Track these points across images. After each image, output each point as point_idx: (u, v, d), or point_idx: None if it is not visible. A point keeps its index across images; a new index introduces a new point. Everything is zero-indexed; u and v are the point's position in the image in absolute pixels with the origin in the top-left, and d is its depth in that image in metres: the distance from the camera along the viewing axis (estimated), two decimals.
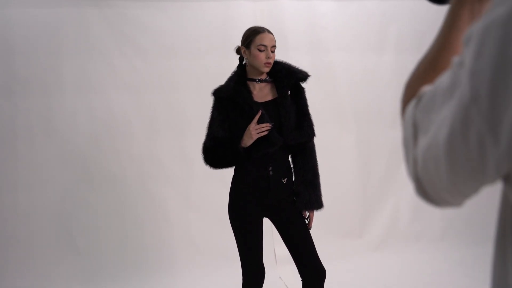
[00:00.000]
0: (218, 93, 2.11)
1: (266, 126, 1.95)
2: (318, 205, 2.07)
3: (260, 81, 2.09)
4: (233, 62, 3.60)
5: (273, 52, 2.05)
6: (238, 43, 3.62)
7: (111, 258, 3.31)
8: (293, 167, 2.11)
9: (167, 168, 3.46)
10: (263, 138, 1.96)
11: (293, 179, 2.09)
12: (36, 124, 3.24)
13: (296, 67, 2.13)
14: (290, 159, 2.13)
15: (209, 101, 3.54)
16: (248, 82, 2.09)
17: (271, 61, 2.03)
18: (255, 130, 1.94)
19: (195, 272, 3.36)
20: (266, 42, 2.03)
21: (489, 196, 3.91)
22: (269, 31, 2.08)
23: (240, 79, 2.10)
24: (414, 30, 3.89)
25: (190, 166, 3.48)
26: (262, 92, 2.09)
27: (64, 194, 3.29)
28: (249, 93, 2.04)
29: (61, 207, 3.29)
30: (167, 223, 3.43)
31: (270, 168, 2.02)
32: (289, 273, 3.28)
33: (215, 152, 2.04)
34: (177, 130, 3.49)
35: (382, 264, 3.50)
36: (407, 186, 3.91)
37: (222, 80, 3.55)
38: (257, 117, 1.96)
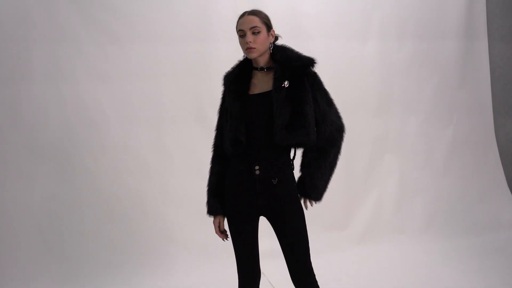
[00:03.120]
0: (224, 81, 2.01)
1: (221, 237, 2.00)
2: (316, 194, 1.97)
3: (261, 69, 1.93)
4: (212, 49, 3.49)
5: (255, 33, 1.86)
6: (217, 29, 3.51)
7: (84, 254, 3.17)
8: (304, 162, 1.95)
9: (144, 160, 3.32)
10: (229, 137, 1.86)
11: (295, 176, 1.94)
12: (2, 116, 3.07)
13: (299, 53, 1.95)
14: (298, 155, 1.95)
15: (186, 89, 3.43)
16: (254, 70, 1.96)
17: (251, 45, 1.85)
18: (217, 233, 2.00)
19: (173, 268, 3.25)
20: (243, 26, 1.86)
21: (472, 189, 3.91)
22: (250, 13, 1.90)
23: (245, 66, 1.97)
24: (397, 17, 3.80)
25: (167, 158, 3.36)
26: (262, 81, 1.92)
27: (34, 189, 3.14)
28: (246, 84, 1.91)
29: (31, 202, 3.13)
30: (144, 217, 3.29)
31: (257, 167, 1.83)
32: (272, 269, 3.19)
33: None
34: (153, 120, 3.35)
35: (365, 257, 3.44)
36: (391, 177, 3.85)
37: (200, 69, 3.44)
38: (218, 234, 2.00)
